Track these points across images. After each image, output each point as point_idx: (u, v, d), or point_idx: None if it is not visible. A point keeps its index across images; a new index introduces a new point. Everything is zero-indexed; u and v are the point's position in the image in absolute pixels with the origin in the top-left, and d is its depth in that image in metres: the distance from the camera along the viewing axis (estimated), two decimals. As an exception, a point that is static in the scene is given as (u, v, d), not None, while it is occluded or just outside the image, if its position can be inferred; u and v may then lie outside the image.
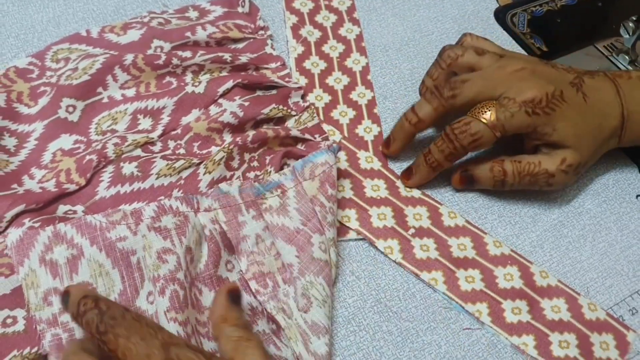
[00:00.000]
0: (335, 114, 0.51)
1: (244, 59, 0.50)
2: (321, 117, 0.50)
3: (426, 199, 0.47)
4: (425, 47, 0.56)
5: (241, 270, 0.41)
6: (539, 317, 0.43)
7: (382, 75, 0.54)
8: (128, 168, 0.43)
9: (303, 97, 0.50)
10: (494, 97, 0.44)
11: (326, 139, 0.48)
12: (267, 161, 0.46)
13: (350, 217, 0.45)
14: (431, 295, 0.43)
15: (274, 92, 0.49)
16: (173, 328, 0.36)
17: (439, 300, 0.43)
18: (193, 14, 0.53)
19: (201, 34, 0.50)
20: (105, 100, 0.47)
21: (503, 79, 0.45)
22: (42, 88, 0.46)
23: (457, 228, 0.46)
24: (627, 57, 0.57)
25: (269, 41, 0.53)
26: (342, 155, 0.48)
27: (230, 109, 0.46)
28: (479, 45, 0.48)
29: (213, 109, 0.47)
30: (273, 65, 0.51)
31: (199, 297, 0.39)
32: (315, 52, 0.54)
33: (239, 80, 0.48)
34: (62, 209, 0.41)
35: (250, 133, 0.46)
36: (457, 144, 0.45)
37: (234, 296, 0.35)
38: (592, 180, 0.51)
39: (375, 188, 0.47)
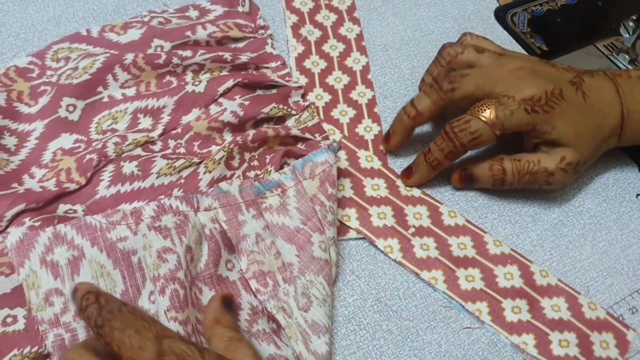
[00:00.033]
0: (335, 113, 0.51)
1: (244, 58, 0.50)
2: (321, 116, 0.50)
3: (426, 198, 0.47)
4: (425, 47, 0.56)
5: (241, 270, 0.41)
6: (539, 316, 0.43)
7: (382, 74, 0.54)
8: (128, 167, 0.43)
9: (303, 96, 0.50)
10: (493, 94, 0.44)
11: (326, 138, 0.48)
12: (267, 160, 0.46)
13: (351, 216, 0.45)
14: (431, 294, 0.43)
15: (274, 91, 0.49)
16: (173, 327, 0.36)
17: (439, 299, 0.43)
18: (193, 13, 0.53)
19: (201, 33, 0.50)
20: (106, 99, 0.47)
21: (502, 77, 0.45)
22: (43, 87, 0.46)
23: (457, 227, 0.46)
24: (627, 57, 0.57)
25: (269, 40, 0.53)
26: (342, 154, 0.48)
27: (231, 108, 0.46)
28: (479, 44, 0.49)
29: (213, 108, 0.47)
30: (273, 64, 0.51)
31: (199, 296, 0.39)
32: (316, 51, 0.54)
33: (239, 79, 0.48)
34: (62, 208, 0.41)
35: (251, 132, 0.46)
36: (456, 142, 0.45)
37: (227, 302, 0.38)
38: (592, 180, 0.51)
39: (375, 187, 0.47)
